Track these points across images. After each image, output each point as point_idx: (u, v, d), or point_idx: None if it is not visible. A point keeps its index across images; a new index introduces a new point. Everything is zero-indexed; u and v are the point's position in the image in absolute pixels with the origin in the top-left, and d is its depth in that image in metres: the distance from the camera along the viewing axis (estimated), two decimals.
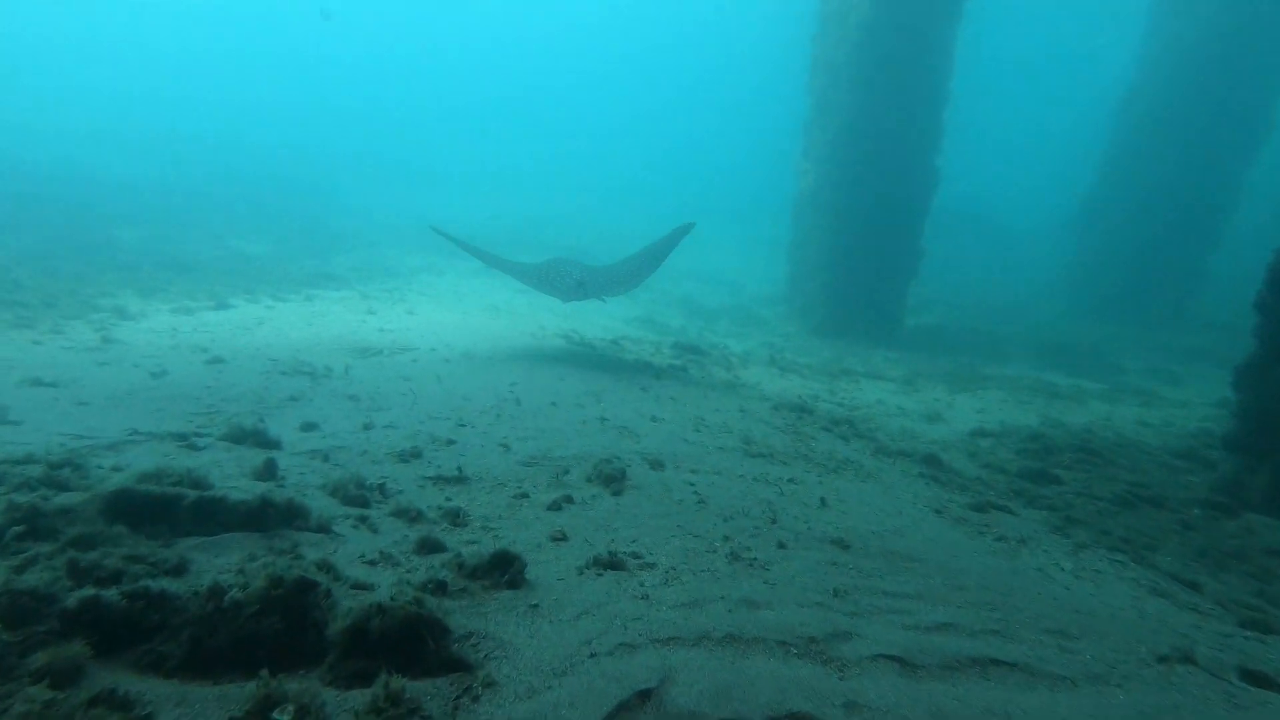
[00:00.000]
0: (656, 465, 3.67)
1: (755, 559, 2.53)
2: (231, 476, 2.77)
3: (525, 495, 3.06)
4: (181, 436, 3.11)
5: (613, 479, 3.29)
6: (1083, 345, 11.05)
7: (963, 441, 5.63)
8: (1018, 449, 5.38)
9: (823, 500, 3.34)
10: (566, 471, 3.33)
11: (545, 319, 9.79)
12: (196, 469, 2.59)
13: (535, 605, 2.03)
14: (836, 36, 9.93)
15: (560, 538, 2.64)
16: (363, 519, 2.58)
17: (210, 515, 2.15)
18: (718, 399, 5.57)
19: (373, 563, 2.24)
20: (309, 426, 3.78)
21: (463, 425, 4.02)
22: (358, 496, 2.78)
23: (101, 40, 39.73)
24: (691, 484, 3.42)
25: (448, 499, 2.96)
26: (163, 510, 2.02)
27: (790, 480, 3.70)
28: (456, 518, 2.73)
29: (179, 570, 1.78)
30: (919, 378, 8.29)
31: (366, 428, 3.80)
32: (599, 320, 11.38)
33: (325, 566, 1.96)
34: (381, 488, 2.97)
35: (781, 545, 2.70)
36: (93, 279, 7.32)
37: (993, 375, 8.71)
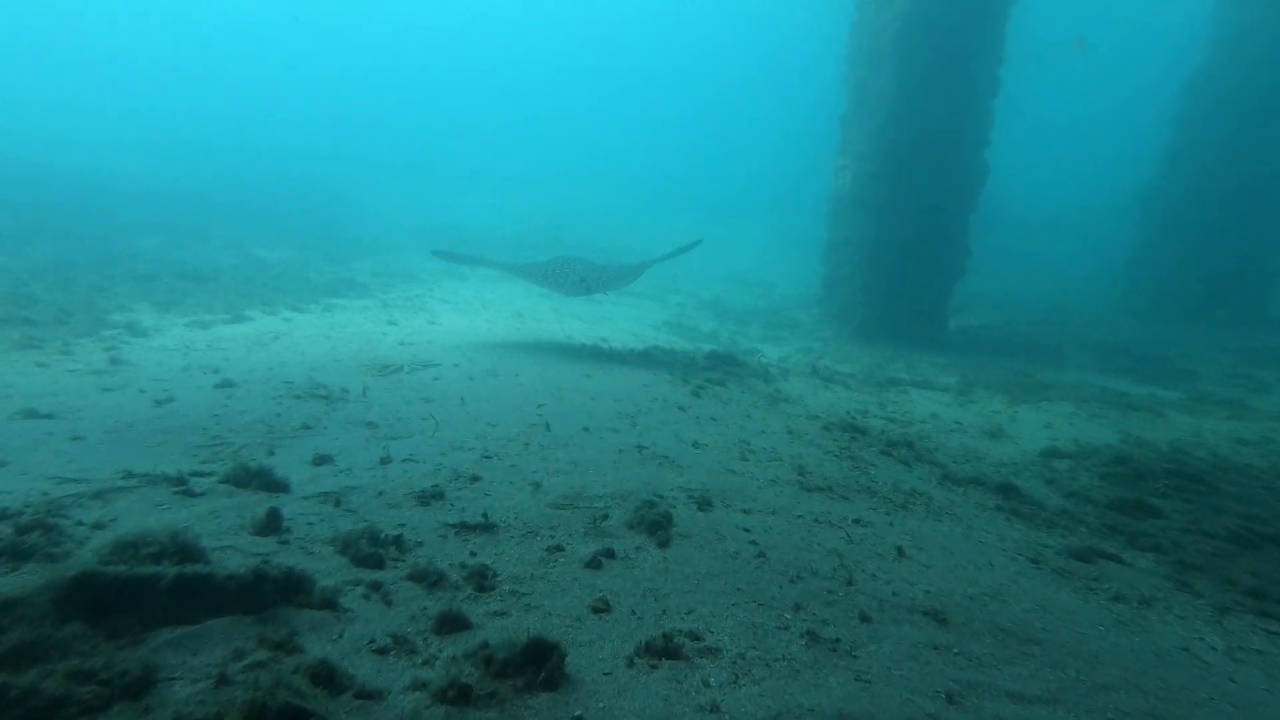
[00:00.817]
0: (704, 504, 3.28)
1: (838, 640, 2.12)
2: (229, 531, 2.46)
3: (560, 548, 2.70)
4: (179, 480, 2.82)
5: (658, 525, 2.90)
6: (1147, 347, 10.32)
7: (1035, 464, 5.11)
8: (1102, 473, 4.85)
9: (899, 550, 2.91)
10: (605, 516, 2.96)
11: (573, 326, 9.47)
12: (187, 528, 2.29)
13: (579, 719, 1.66)
14: (878, 23, 9.40)
15: (603, 608, 2.26)
16: (375, 586, 2.24)
17: (194, 595, 1.83)
18: (762, 418, 5.15)
19: (384, 650, 1.89)
20: (322, 460, 3.48)
21: (488, 457, 3.68)
22: (371, 555, 2.44)
23: (126, 53, 40.74)
24: (746, 529, 3.02)
25: (472, 553, 2.61)
26: (133, 596, 1.69)
27: (856, 521, 3.28)
28: (483, 579, 2.38)
29: (140, 687, 1.44)
30: (972, 387, 7.74)
31: (384, 462, 3.48)
32: (627, 326, 11.03)
33: (324, 672, 1.62)
34: (398, 540, 2.63)
35: (865, 618, 2.29)
36: (110, 291, 7.20)
37: (1054, 383, 8.11)
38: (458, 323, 8.36)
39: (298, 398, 4.33)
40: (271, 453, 3.56)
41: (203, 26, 48.78)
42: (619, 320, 11.55)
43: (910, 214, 10.09)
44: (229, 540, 2.36)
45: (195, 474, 3.02)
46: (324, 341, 6.37)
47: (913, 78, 9.09)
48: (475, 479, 3.36)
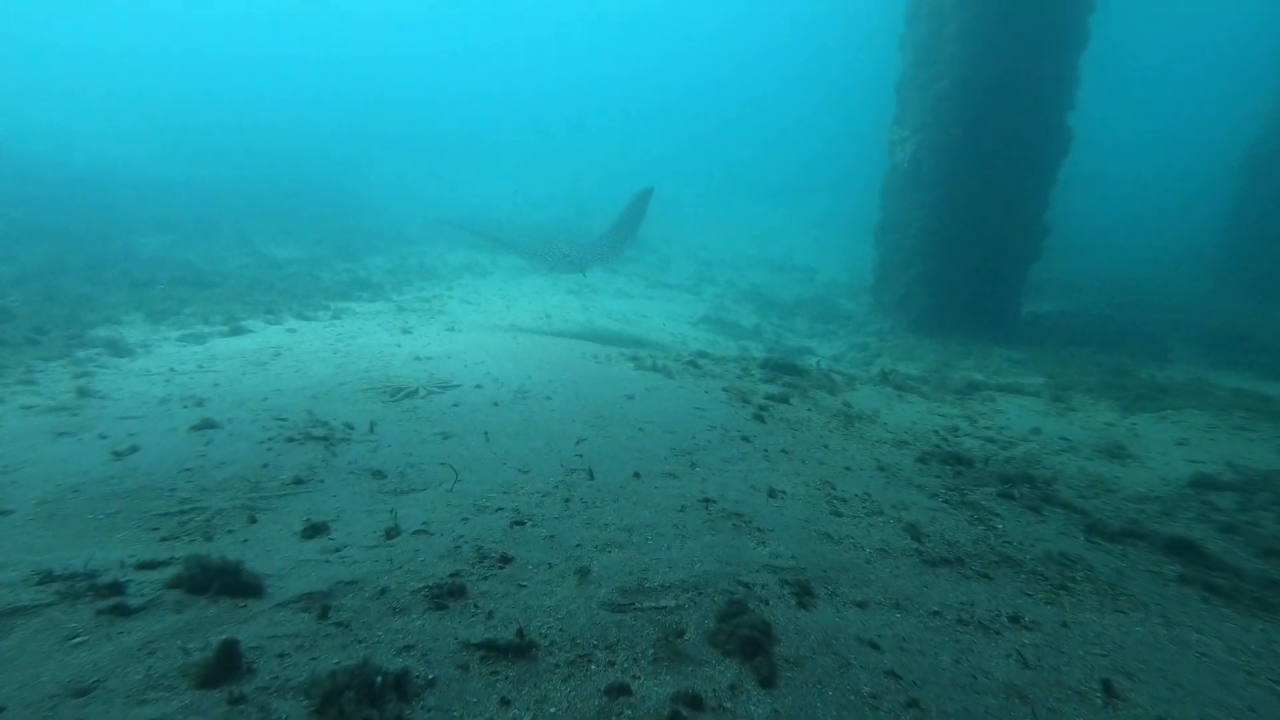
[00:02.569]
0: (805, 595, 2.51)
1: None
2: (160, 684, 1.77)
3: (624, 689, 1.96)
4: (113, 589, 2.14)
5: (754, 645, 2.14)
6: (1269, 335, 9.11)
7: (1187, 500, 4.22)
8: None
9: (1107, 686, 2.10)
10: (680, 633, 2.21)
11: (605, 327, 8.71)
12: (94, 684, 1.60)
13: None
14: None
15: None
16: None
17: None
18: (841, 446, 4.34)
19: None
20: (314, 530, 2.81)
21: (520, 523, 2.96)
22: None
23: (136, 43, 40.73)
24: (873, 643, 2.24)
25: (504, 701, 1.89)
26: None
27: (1015, 620, 2.48)
28: None
29: None
30: (1067, 390, 6.79)
31: (390, 535, 2.78)
32: (663, 323, 10.25)
33: None
34: (401, 682, 1.92)
35: None
36: (98, 301, 6.66)
37: (1166, 384, 7.10)
38: (479, 327, 7.66)
39: (291, 440, 3.65)
40: (253, 519, 2.90)
41: (215, 11, 48.69)
42: (654, 317, 10.78)
43: (979, 190, 9.06)
44: (155, 708, 1.67)
45: (144, 566, 2.35)
46: (330, 357, 5.72)
47: (983, 35, 8.03)
48: (505, 561, 2.64)
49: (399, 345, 6.44)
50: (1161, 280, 13.34)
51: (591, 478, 3.51)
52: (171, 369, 4.91)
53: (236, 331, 6.31)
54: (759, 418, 4.71)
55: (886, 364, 9.18)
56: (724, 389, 5.53)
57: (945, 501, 3.53)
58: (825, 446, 4.26)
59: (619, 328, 8.97)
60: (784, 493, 3.44)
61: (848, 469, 3.86)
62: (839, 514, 3.28)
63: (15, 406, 3.85)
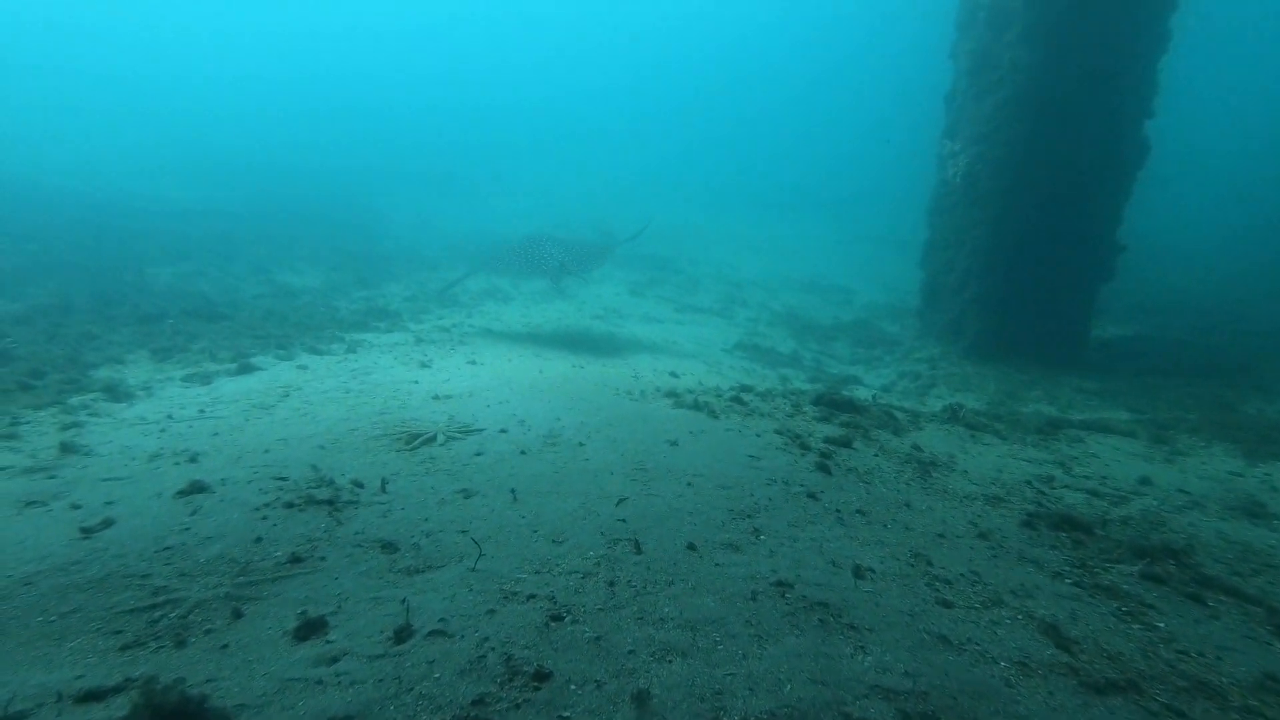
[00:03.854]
0: None
1: None
2: None
3: None
4: None
5: None
6: None
7: None
8: None
9: None
10: None
11: (636, 359, 8.24)
12: None
13: None
14: None
15: None
16: None
17: None
18: (925, 504, 3.77)
19: None
20: (307, 630, 2.34)
21: (558, 618, 2.45)
22: None
23: (156, 69, 42.22)
24: None
25: None
26: None
27: None
28: None
29: None
30: (1166, 429, 6.10)
31: (400, 637, 2.30)
32: (696, 349, 9.74)
33: None
34: None
35: None
36: (103, 339, 6.39)
37: None
38: (501, 359, 7.24)
39: (290, 506, 3.21)
40: (238, 614, 2.44)
41: (224, 37, 50.44)
42: (685, 343, 10.29)
43: (1042, 205, 8.46)
44: None
45: (86, 698, 1.89)
46: (341, 399, 5.33)
47: (1051, 39, 7.52)
48: (541, 678, 2.13)
49: (416, 381, 6.04)
50: (1243, 300, 12.47)
51: (638, 550, 2.99)
52: (169, 416, 4.54)
53: (245, 369, 5.96)
54: (823, 468, 4.15)
55: (944, 393, 8.54)
56: (776, 431, 4.99)
57: (1076, 585, 2.93)
58: (906, 505, 3.69)
59: (650, 357, 8.48)
60: (872, 571, 2.88)
61: (941, 536, 3.28)
62: (948, 603, 2.71)
63: None
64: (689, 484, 3.80)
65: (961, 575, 2.91)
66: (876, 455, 4.63)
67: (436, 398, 5.48)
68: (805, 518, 3.43)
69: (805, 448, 4.51)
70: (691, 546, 3.05)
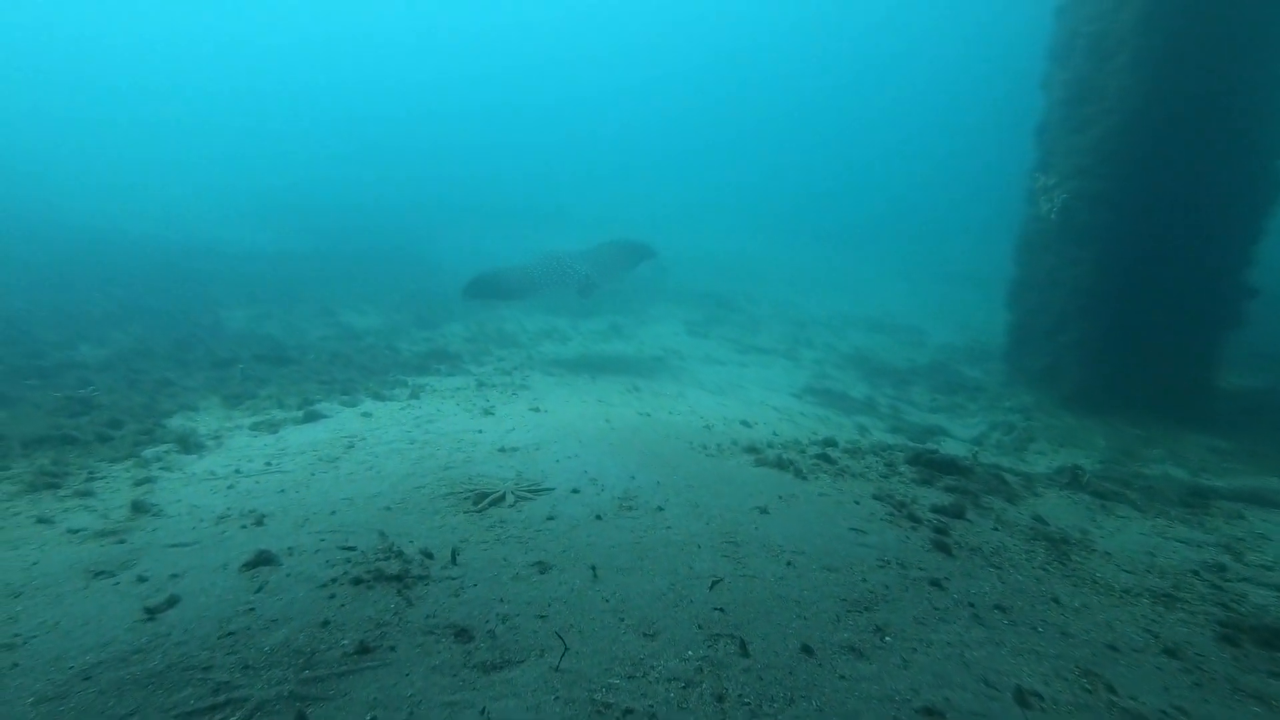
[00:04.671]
0: None
1: None
2: None
3: None
4: None
5: None
6: None
7: None
8: None
9: None
10: None
11: (701, 402, 7.92)
12: None
13: None
14: (1107, 1, 7.40)
15: None
16: None
17: None
18: (1080, 602, 3.24)
19: None
20: None
21: None
22: None
23: (223, 118, 45.61)
24: None
25: None
26: None
27: None
28: None
29: None
30: None
31: None
32: (763, 395, 9.35)
33: None
34: None
35: None
36: (178, 385, 6.54)
37: None
38: (565, 406, 7.05)
39: (359, 582, 3.00)
40: (301, 718, 2.20)
41: (293, 87, 54.21)
42: (751, 386, 9.91)
43: (1157, 244, 7.79)
44: None
45: None
46: (406, 450, 5.20)
47: (1164, 65, 6.99)
48: None
49: (480, 431, 5.88)
50: None
51: (745, 652, 2.63)
52: (237, 470, 4.48)
53: (311, 417, 5.95)
54: (941, 546, 3.69)
55: (1045, 447, 7.84)
56: (875, 496, 4.54)
57: None
58: (1054, 600, 3.18)
59: (717, 402, 8.13)
60: (1038, 697, 2.41)
61: (1113, 649, 2.77)
62: None
63: (63, 530, 3.44)
64: (789, 563, 3.41)
65: (1162, 713, 2.40)
66: (996, 529, 4.11)
67: (502, 450, 5.29)
68: (934, 613, 2.98)
69: (914, 520, 4.04)
70: (807, 649, 2.66)
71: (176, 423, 5.53)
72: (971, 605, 3.08)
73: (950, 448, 7.78)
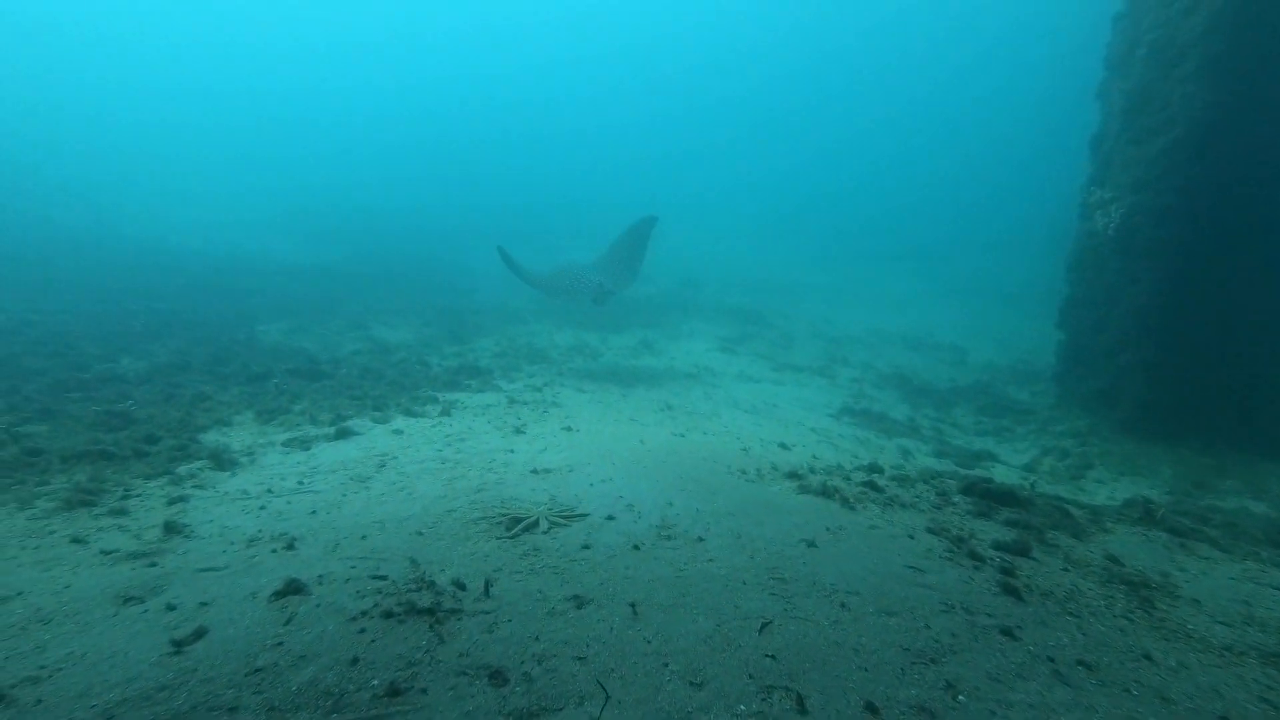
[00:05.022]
0: None
1: None
2: None
3: None
4: None
5: None
6: None
7: None
8: None
9: None
10: None
11: (736, 422, 7.71)
12: None
13: None
14: (1172, 8, 7.09)
15: None
16: None
17: None
18: (1175, 661, 2.95)
19: None
20: None
21: None
22: None
23: (262, 142, 47.18)
24: None
25: None
26: None
27: None
28: None
29: None
30: None
31: None
32: (801, 415, 9.09)
33: None
34: None
35: None
36: (214, 400, 6.59)
37: None
38: (598, 426, 6.92)
39: (390, 616, 2.88)
40: None
41: (333, 110, 55.89)
42: (787, 406, 9.66)
43: (1226, 261, 7.37)
44: None
45: None
46: (438, 470, 5.11)
47: (1236, 71, 6.64)
48: None
49: (512, 451, 5.78)
50: None
51: (802, 709, 2.42)
52: (269, 489, 4.44)
53: (343, 434, 5.92)
54: (1009, 589, 3.42)
55: (1104, 475, 7.43)
56: (929, 529, 4.28)
57: None
58: (1146, 658, 2.90)
59: (753, 423, 7.91)
60: None
61: None
62: None
63: (96, 551, 3.41)
64: (843, 605, 3.19)
65: None
66: (1067, 570, 3.82)
67: (535, 471, 5.17)
68: (1009, 669, 2.73)
69: (976, 558, 3.78)
70: (871, 708, 2.44)
71: (211, 438, 5.55)
72: (1051, 660, 2.83)
73: (1001, 474, 7.43)
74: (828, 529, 4.17)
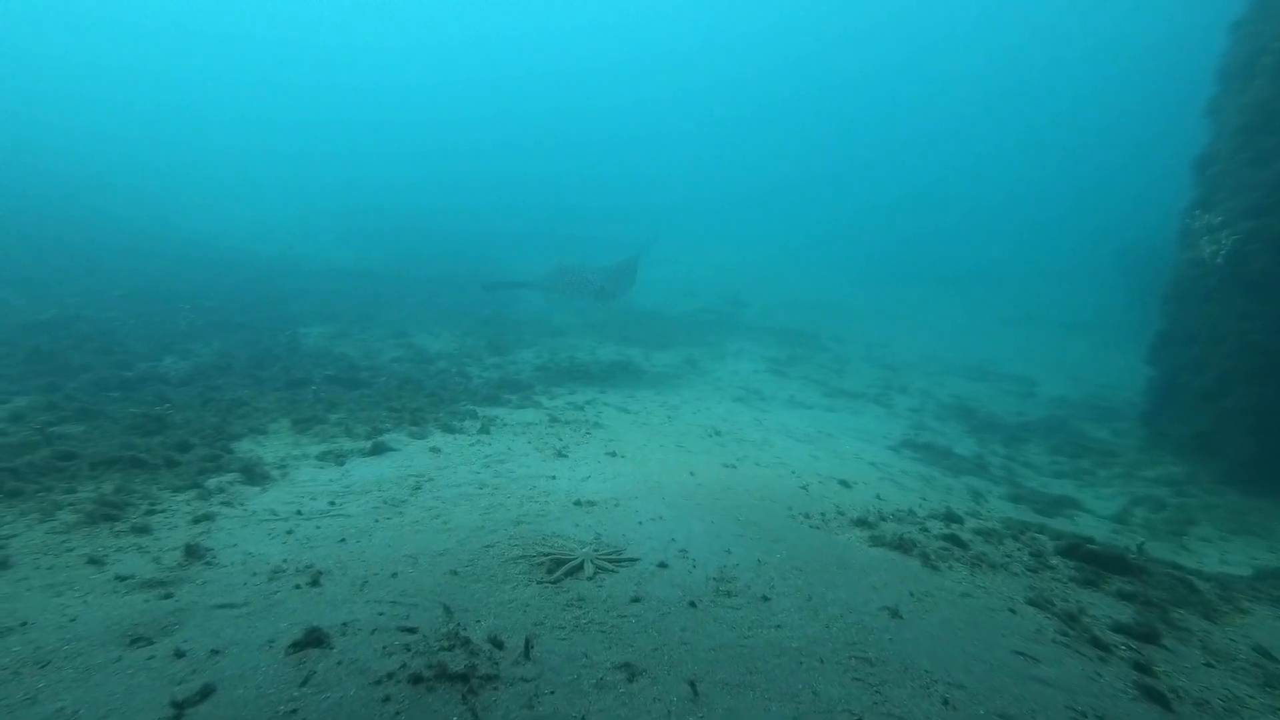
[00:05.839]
0: None
1: None
2: None
3: None
4: None
5: None
6: None
7: None
8: None
9: None
10: None
11: (790, 452, 7.23)
12: None
13: None
14: None
15: None
16: None
17: None
18: None
19: None
20: None
21: None
22: None
23: (314, 148, 48.69)
24: None
25: None
26: None
27: None
28: None
29: None
30: None
31: None
32: (857, 448, 8.53)
33: None
34: None
35: None
36: (251, 405, 6.47)
37: None
38: (644, 451, 6.54)
39: (418, 681, 2.54)
40: None
41: (382, 122, 57.50)
42: (842, 436, 9.10)
43: None
44: None
45: None
46: (475, 495, 4.80)
47: None
48: None
49: (554, 477, 5.44)
50: None
51: None
52: (298, 511, 4.19)
53: (378, 449, 5.68)
54: (1149, 691, 2.88)
55: (1210, 533, 6.67)
56: (1029, 600, 3.75)
57: None
58: None
59: (808, 455, 7.41)
60: None
61: None
62: None
63: (111, 576, 3.18)
64: (945, 701, 2.71)
65: None
66: (1209, 665, 3.25)
67: (578, 504, 4.81)
68: None
69: (1099, 647, 3.24)
70: None
71: (244, 447, 5.38)
72: None
73: (1088, 526, 6.76)
74: (911, 594, 3.68)
